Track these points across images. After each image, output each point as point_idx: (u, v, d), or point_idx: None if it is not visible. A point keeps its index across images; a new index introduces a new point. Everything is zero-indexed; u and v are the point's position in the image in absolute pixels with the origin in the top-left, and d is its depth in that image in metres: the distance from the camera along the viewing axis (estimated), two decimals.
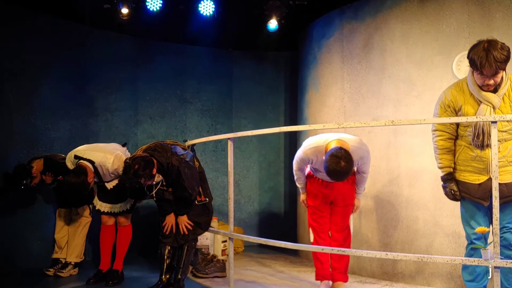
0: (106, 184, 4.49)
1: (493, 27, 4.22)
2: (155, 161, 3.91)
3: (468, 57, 3.11)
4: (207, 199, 4.27)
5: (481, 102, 3.13)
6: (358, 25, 5.09)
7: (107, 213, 4.59)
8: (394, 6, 4.80)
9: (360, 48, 5.06)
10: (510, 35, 4.19)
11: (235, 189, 6.61)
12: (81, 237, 4.88)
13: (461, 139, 3.29)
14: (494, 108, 3.11)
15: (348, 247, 4.09)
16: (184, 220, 4.13)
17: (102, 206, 4.59)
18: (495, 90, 3.11)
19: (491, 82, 3.05)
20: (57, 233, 4.92)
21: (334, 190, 3.98)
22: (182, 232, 4.13)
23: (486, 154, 3.13)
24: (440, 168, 3.34)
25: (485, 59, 2.97)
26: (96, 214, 4.77)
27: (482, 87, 3.10)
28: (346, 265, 4.13)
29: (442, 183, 3.36)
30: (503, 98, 3.12)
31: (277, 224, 6.70)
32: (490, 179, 3.10)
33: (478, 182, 3.18)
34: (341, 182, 3.79)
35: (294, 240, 6.11)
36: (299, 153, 3.91)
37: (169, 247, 4.15)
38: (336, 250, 3.71)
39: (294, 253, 6.06)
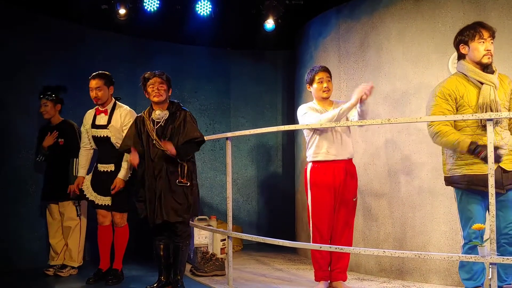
0: (108, 131, 4.44)
1: None
2: (171, 90, 4.09)
3: (458, 40, 3.31)
4: (188, 183, 3.94)
5: (481, 83, 3.21)
6: (354, 24, 5.12)
7: (102, 207, 4.48)
8: (390, 5, 4.82)
9: (356, 47, 5.09)
10: (505, 33, 4.23)
11: (233, 187, 6.64)
12: (75, 242, 4.81)
13: (461, 132, 3.26)
14: (495, 87, 3.20)
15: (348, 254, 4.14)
16: (169, 147, 3.86)
17: (97, 198, 4.48)
18: (492, 72, 3.25)
19: (491, 48, 3.20)
20: (52, 238, 4.86)
21: (336, 178, 4.01)
22: (164, 148, 3.87)
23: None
24: (458, 143, 3.13)
25: (478, 24, 3.24)
26: (92, 211, 4.72)
27: (482, 60, 3.21)
28: (346, 265, 4.14)
29: (472, 153, 3.10)
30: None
31: (275, 222, 6.73)
32: (499, 167, 3.13)
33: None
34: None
35: (293, 238, 6.14)
36: (305, 110, 4.09)
37: (163, 246, 4.08)
38: (334, 248, 3.73)
39: (293, 251, 6.09)
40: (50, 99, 4.84)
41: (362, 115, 3.91)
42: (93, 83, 4.48)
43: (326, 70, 4.14)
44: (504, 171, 3.12)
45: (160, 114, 4.00)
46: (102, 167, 4.51)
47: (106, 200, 4.48)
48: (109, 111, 4.53)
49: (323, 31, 5.54)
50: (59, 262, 4.85)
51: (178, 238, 4.03)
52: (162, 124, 3.99)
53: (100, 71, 4.57)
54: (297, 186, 6.16)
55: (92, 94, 4.49)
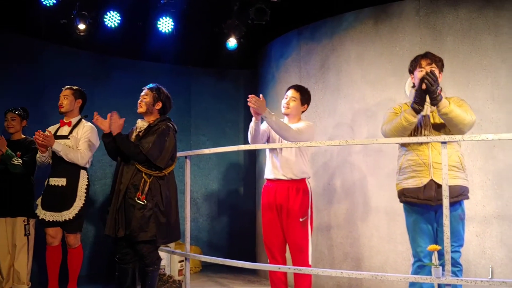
0: (68, 141, 4.34)
1: (444, 49, 4.38)
2: (160, 104, 4.01)
3: (408, 71, 3.53)
4: (145, 201, 3.69)
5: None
6: (315, 46, 5.18)
7: (52, 224, 4.26)
8: (349, 28, 4.91)
9: (317, 69, 5.15)
10: (459, 57, 4.36)
11: (193, 207, 6.55)
12: (22, 263, 4.54)
13: (401, 147, 3.43)
14: (429, 107, 3.35)
15: (307, 277, 3.94)
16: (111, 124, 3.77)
17: (46, 215, 4.26)
18: None
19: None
20: (2, 261, 4.56)
21: (277, 197, 3.91)
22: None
23: (425, 155, 3.27)
24: (403, 116, 3.27)
25: (419, 55, 3.46)
26: (40, 231, 4.47)
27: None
28: None
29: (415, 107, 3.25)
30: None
31: (236, 242, 6.65)
32: (432, 180, 3.23)
33: (422, 185, 3.25)
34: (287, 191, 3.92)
35: (253, 258, 6.09)
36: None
37: (126, 270, 3.80)
38: (293, 269, 3.70)
39: (253, 272, 6.02)
40: (18, 114, 4.72)
41: (274, 129, 3.84)
42: (63, 92, 4.54)
43: (293, 88, 4.12)
44: (438, 185, 3.20)
45: (139, 124, 3.96)
46: (53, 181, 4.32)
47: (56, 216, 4.25)
48: (73, 123, 4.47)
49: (284, 52, 5.58)
50: (8, 286, 4.58)
51: (145, 261, 3.75)
52: (141, 134, 3.90)
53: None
54: (258, 205, 6.12)
55: (59, 102, 4.49)
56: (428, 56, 3.41)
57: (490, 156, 4.19)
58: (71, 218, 4.27)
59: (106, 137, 3.82)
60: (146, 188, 3.73)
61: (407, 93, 4.45)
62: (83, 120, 4.55)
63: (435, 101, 3.21)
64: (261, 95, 3.79)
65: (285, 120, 4.09)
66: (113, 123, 3.78)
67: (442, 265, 3.12)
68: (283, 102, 4.09)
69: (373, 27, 4.77)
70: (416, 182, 3.28)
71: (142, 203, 3.71)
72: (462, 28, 4.39)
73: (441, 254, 3.17)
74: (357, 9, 4.92)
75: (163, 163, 3.83)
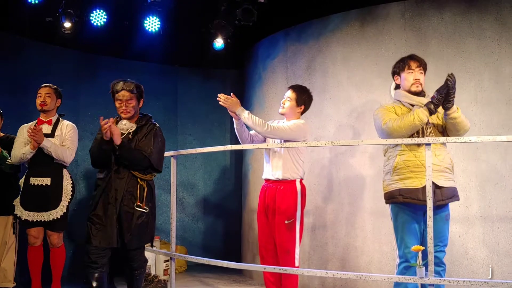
0: (54, 139, 4.27)
1: (429, 52, 4.43)
2: (142, 101, 3.82)
3: (392, 72, 3.54)
4: (147, 208, 3.57)
5: (413, 106, 3.37)
6: (302, 47, 5.21)
7: (35, 224, 4.16)
8: (336, 30, 4.95)
9: (303, 70, 5.17)
10: (444, 60, 4.41)
11: (179, 207, 6.54)
12: (10, 261, 4.49)
13: (395, 147, 3.41)
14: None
15: (293, 278, 3.90)
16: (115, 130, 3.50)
17: (29, 215, 4.13)
18: (423, 96, 3.43)
19: (420, 77, 3.39)
20: None
21: (266, 198, 3.93)
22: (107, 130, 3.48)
23: (423, 156, 3.25)
24: (417, 114, 3.23)
25: (407, 56, 3.47)
26: (20, 230, 4.40)
27: (411, 88, 3.40)
28: None
29: (430, 109, 3.24)
30: None
31: (221, 242, 6.66)
32: (432, 182, 3.20)
33: (421, 186, 3.23)
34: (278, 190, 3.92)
35: (239, 258, 6.09)
36: None
37: (97, 275, 3.53)
38: (278, 269, 3.72)
39: (238, 272, 6.03)
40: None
41: (249, 126, 3.89)
42: (44, 90, 4.42)
43: (291, 88, 4.10)
44: (437, 186, 3.23)
45: (126, 125, 3.70)
46: (35, 180, 4.20)
47: (42, 216, 4.16)
48: (53, 122, 4.41)
49: (271, 52, 5.60)
50: None
51: (133, 265, 3.66)
52: (130, 137, 3.67)
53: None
54: (244, 206, 6.13)
55: (40, 99, 4.37)
56: (416, 58, 3.44)
57: (473, 158, 4.25)
58: (59, 217, 4.20)
59: (108, 144, 3.53)
60: (145, 194, 3.61)
61: (392, 95, 4.49)
62: (60, 119, 4.50)
63: (449, 104, 3.23)
64: (232, 94, 3.82)
65: (285, 120, 4.07)
66: (114, 130, 3.49)
67: (426, 265, 3.15)
68: (281, 101, 4.10)
69: (359, 29, 4.81)
70: (414, 183, 3.26)
71: (144, 210, 3.58)
72: (446, 31, 4.44)
73: (425, 254, 3.20)
74: (344, 11, 4.96)
75: (161, 166, 3.73)
